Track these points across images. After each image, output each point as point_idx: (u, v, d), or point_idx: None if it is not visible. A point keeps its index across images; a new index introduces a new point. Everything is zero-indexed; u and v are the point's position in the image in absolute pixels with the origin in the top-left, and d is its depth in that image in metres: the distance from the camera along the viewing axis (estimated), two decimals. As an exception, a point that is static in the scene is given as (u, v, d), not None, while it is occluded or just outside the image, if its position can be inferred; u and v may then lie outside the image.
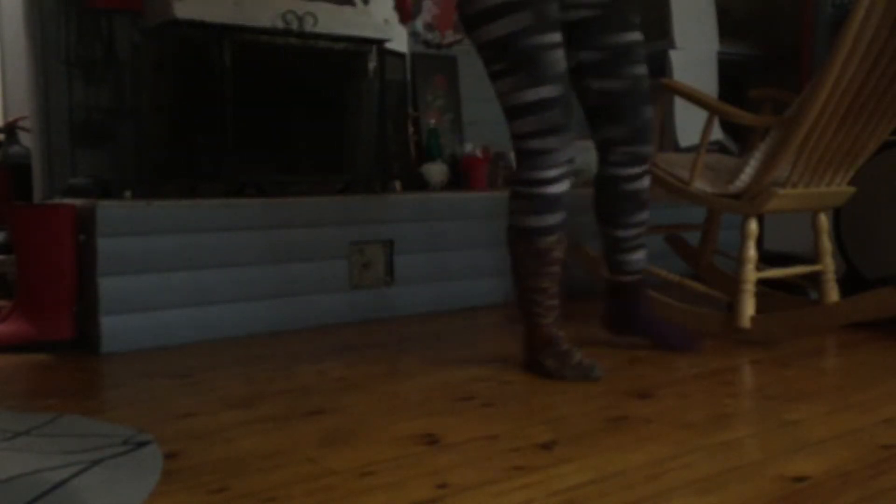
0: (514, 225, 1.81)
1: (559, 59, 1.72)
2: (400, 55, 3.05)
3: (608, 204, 1.98)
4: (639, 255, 2.03)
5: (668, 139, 3.40)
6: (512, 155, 3.47)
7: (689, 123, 3.35)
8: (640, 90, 1.88)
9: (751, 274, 2.09)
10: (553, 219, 1.77)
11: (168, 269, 2.20)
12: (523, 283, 1.82)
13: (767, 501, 1.13)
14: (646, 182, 1.96)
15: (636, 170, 1.93)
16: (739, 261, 2.11)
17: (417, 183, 3.11)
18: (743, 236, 2.11)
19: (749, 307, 2.09)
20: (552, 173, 1.74)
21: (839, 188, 2.22)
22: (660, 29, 3.55)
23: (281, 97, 2.62)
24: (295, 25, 2.52)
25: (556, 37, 1.71)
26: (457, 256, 2.73)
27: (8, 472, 1.21)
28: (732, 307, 2.15)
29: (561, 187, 1.76)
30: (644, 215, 1.99)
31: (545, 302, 1.82)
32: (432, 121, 3.28)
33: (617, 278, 2.05)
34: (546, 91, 1.70)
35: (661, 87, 2.26)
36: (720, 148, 3.51)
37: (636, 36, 1.90)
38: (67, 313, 2.17)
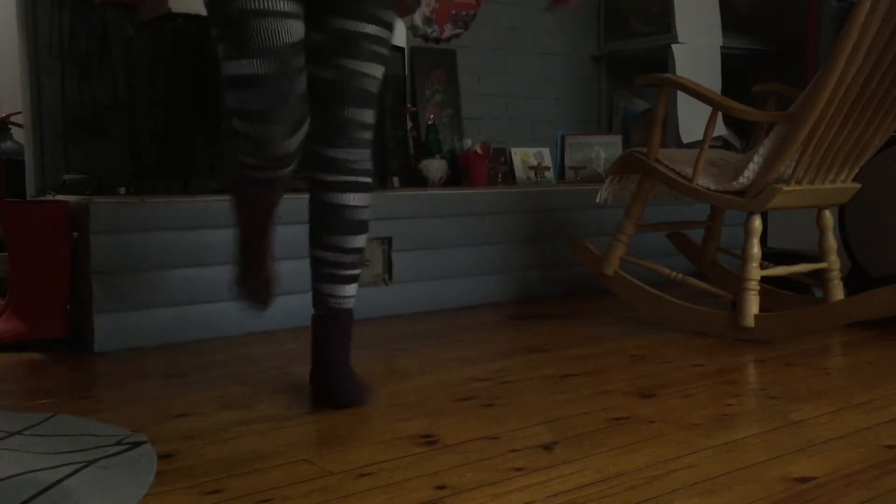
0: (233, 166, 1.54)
1: (277, 32, 1.39)
2: (398, 49, 3.03)
3: (310, 213, 1.66)
4: (342, 290, 1.62)
5: (671, 135, 3.39)
6: (514, 151, 3.49)
7: (693, 119, 3.33)
8: (350, 87, 1.55)
9: (754, 272, 2.08)
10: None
11: (162, 267, 2.18)
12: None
13: (771, 502, 1.12)
14: (348, 199, 1.59)
15: (327, 177, 1.59)
16: (743, 258, 2.10)
17: (416, 179, 3.10)
18: (746, 233, 2.10)
19: (753, 305, 2.08)
20: (256, 164, 1.46)
21: (844, 185, 2.20)
22: (662, 23, 3.53)
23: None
24: (292, 20, 2.49)
25: (278, 4, 1.39)
26: (456, 254, 2.72)
27: (1, 472, 1.20)
28: (736, 305, 2.13)
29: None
30: (347, 241, 1.60)
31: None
32: (431, 116, 3.25)
33: (316, 312, 1.65)
34: (247, 66, 1.37)
35: (664, 83, 2.24)
36: (724, 144, 3.49)
37: (371, 29, 1.56)
38: (61, 311, 2.15)
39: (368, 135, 1.62)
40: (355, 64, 1.56)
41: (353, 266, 1.62)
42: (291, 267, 2.39)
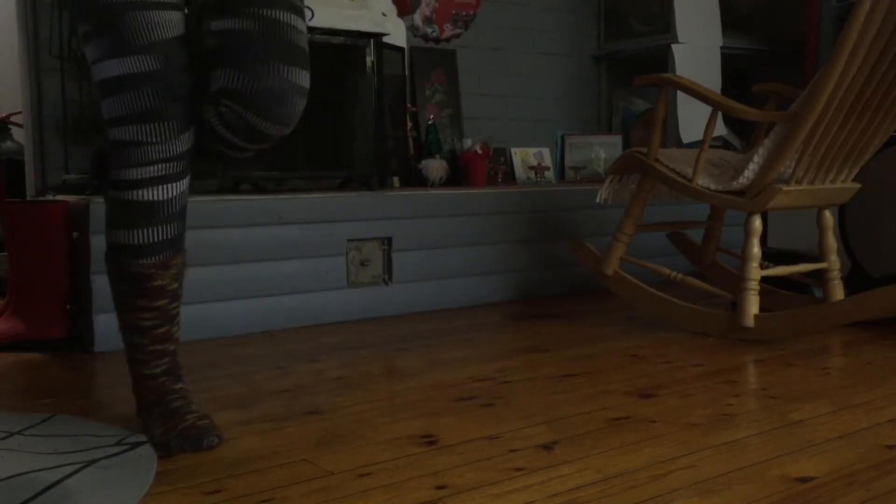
0: (107, 239, 1.38)
1: (161, 23, 1.29)
2: (398, 49, 3.03)
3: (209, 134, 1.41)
4: None
5: (671, 135, 3.39)
6: (514, 151, 3.49)
7: (692, 119, 3.33)
8: (279, 39, 1.31)
9: (754, 272, 2.07)
10: (157, 234, 1.34)
11: (164, 267, 2.17)
12: (120, 315, 1.42)
13: (771, 502, 1.11)
14: (240, 154, 1.42)
15: (238, 141, 1.35)
16: (743, 258, 2.09)
17: (416, 179, 3.09)
18: (746, 233, 2.10)
19: (753, 305, 2.08)
20: (143, 173, 1.32)
21: (844, 185, 2.20)
22: (662, 22, 3.53)
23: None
24: (292, 20, 2.49)
25: None
26: (456, 254, 2.71)
27: (1, 472, 1.20)
28: (736, 305, 2.13)
29: (159, 193, 1.33)
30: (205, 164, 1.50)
31: (149, 346, 1.40)
32: (431, 116, 3.25)
33: None
34: (135, 63, 1.27)
35: (664, 83, 2.23)
36: (724, 144, 3.49)
37: None
38: (60, 311, 2.15)
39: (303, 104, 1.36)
40: (278, 13, 1.31)
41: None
42: (292, 267, 2.39)
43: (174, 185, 1.35)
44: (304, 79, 1.33)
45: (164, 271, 1.36)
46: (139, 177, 1.32)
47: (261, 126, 1.31)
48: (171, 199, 1.35)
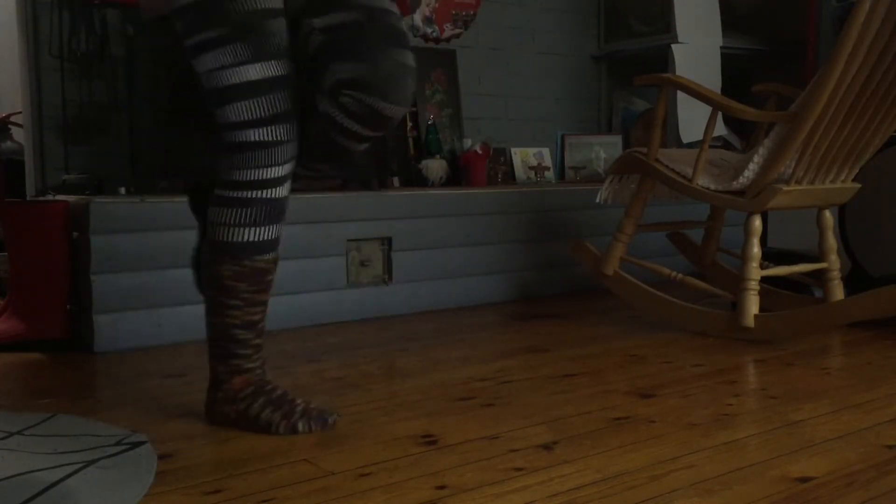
0: (219, 240, 1.41)
1: (282, 31, 1.37)
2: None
3: (300, 134, 1.45)
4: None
5: (671, 135, 3.39)
6: (514, 151, 3.48)
7: (692, 119, 3.33)
8: (385, 24, 1.38)
9: (754, 272, 2.07)
10: (277, 230, 1.43)
11: (162, 267, 2.18)
12: (225, 317, 1.44)
13: (771, 502, 1.11)
14: (363, 146, 1.46)
15: (362, 130, 1.39)
16: (743, 258, 2.09)
17: (416, 179, 3.09)
18: (746, 233, 2.10)
19: (753, 305, 2.08)
20: (276, 172, 1.39)
21: (844, 185, 2.20)
22: (662, 22, 3.53)
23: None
24: (292, 20, 2.49)
25: (278, 2, 1.37)
26: (456, 254, 2.71)
27: (1, 472, 1.20)
28: (736, 305, 2.13)
29: (285, 190, 1.42)
30: (328, 167, 1.58)
31: (253, 340, 1.46)
32: (431, 116, 3.25)
33: None
34: (274, 67, 1.35)
35: (664, 83, 2.23)
36: (724, 144, 3.49)
37: None
38: (61, 311, 2.15)
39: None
40: (377, 2, 1.39)
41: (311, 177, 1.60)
42: (292, 267, 2.39)
43: (290, 182, 1.43)
44: (412, 59, 1.40)
45: (275, 266, 1.45)
46: (273, 175, 1.39)
47: (385, 109, 1.36)
48: (287, 197, 1.44)
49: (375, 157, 2.73)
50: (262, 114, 1.36)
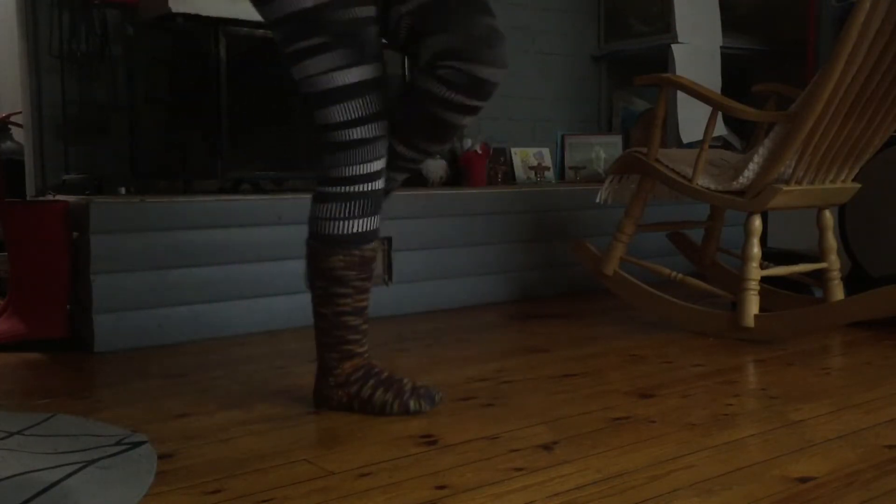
0: (327, 234, 1.51)
1: (376, 36, 1.49)
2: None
3: (405, 116, 1.54)
4: (399, 176, 1.66)
5: (671, 135, 3.38)
6: (514, 151, 3.48)
7: (692, 119, 3.33)
8: None
9: (754, 272, 2.07)
10: (377, 221, 1.54)
11: (162, 267, 2.18)
12: (337, 306, 1.52)
13: (771, 502, 1.11)
14: (466, 121, 1.52)
15: (465, 100, 1.45)
16: (743, 258, 2.09)
17: (416, 179, 3.09)
18: (746, 233, 2.09)
19: (753, 305, 2.08)
20: (376, 166, 1.50)
21: (844, 185, 2.20)
22: (662, 22, 3.53)
23: (277, 92, 2.59)
24: (292, 20, 2.49)
25: (371, 10, 1.47)
26: (456, 254, 2.71)
27: (1, 472, 1.20)
28: (736, 305, 2.13)
29: (383, 182, 1.53)
30: (435, 147, 1.61)
31: (361, 325, 1.55)
32: (431, 117, 3.25)
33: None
34: (371, 70, 1.46)
35: (664, 83, 2.23)
36: (724, 144, 3.49)
37: None
38: (60, 312, 2.15)
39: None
40: None
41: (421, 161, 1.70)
42: (292, 267, 2.39)
43: (383, 178, 1.53)
44: (497, 23, 1.48)
45: (377, 254, 1.57)
46: (373, 169, 1.50)
47: (483, 73, 1.43)
48: (382, 189, 1.54)
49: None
50: (362, 113, 1.47)
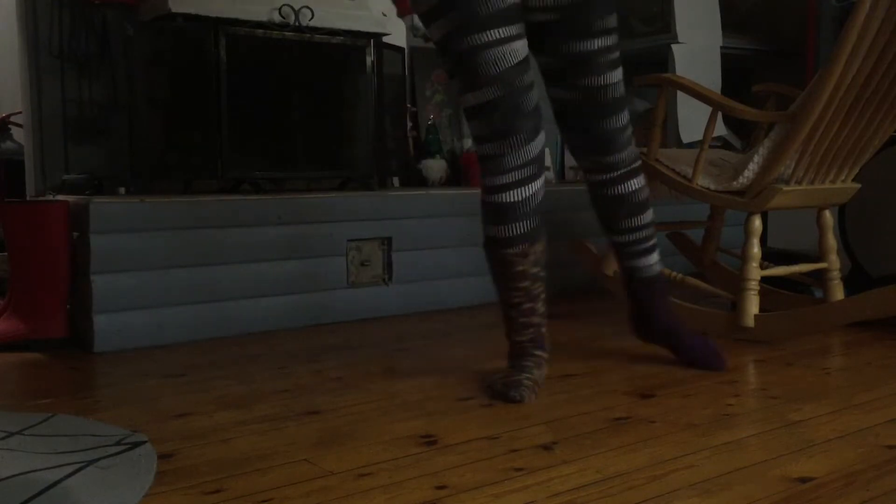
0: (484, 233, 1.70)
1: (503, 56, 1.57)
2: (398, 49, 3.03)
3: (598, 209, 1.88)
4: (646, 260, 1.87)
5: (670, 135, 3.38)
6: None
7: (692, 119, 3.33)
8: (597, 101, 1.73)
9: (754, 272, 2.07)
10: (511, 229, 1.63)
11: (163, 267, 2.18)
12: (498, 292, 1.72)
13: (771, 502, 1.11)
14: (631, 185, 1.82)
15: (605, 176, 1.81)
16: (743, 258, 2.09)
17: (416, 179, 3.09)
18: (746, 233, 2.09)
19: (753, 305, 2.08)
20: (503, 180, 1.62)
21: (844, 185, 2.20)
22: (662, 22, 3.53)
23: (277, 92, 2.59)
24: (291, 19, 2.50)
25: (500, 32, 1.57)
26: (456, 254, 2.71)
27: (1, 472, 1.20)
28: (736, 305, 2.13)
29: (517, 195, 1.62)
30: (639, 219, 1.84)
31: (517, 318, 1.69)
32: (431, 116, 3.25)
33: (630, 284, 1.91)
34: (485, 94, 1.58)
35: (664, 83, 2.23)
36: (723, 144, 3.49)
37: (601, 42, 1.70)
38: (61, 311, 2.15)
39: (630, 128, 1.80)
40: (597, 80, 1.71)
41: (649, 238, 1.87)
42: (292, 267, 2.39)
43: (527, 187, 1.63)
44: (624, 118, 1.79)
45: (523, 259, 1.64)
46: (501, 182, 1.62)
47: (602, 161, 1.81)
48: (526, 199, 1.63)
49: (375, 157, 2.73)
50: (484, 132, 1.61)
